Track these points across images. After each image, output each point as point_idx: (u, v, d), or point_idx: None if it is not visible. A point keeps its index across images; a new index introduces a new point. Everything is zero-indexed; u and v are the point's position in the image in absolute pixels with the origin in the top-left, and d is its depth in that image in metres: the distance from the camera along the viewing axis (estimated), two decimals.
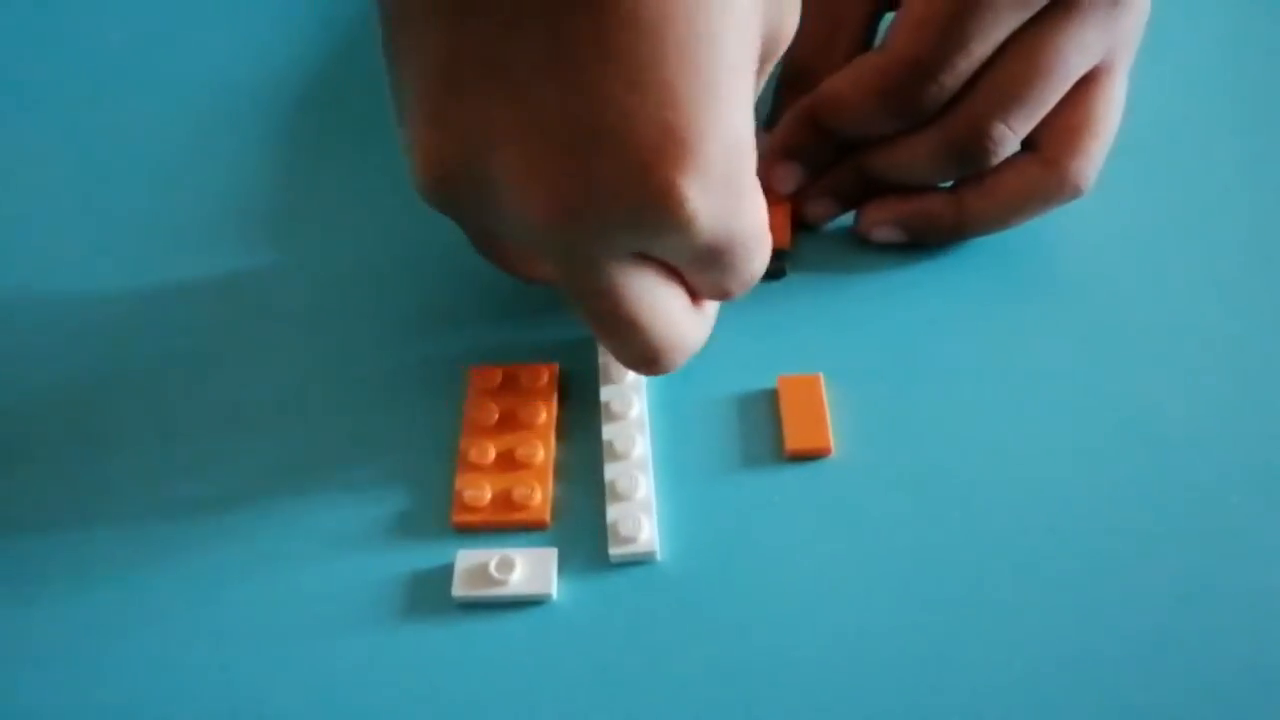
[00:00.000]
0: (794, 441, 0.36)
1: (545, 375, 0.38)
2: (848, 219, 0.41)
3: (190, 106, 0.48)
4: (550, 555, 0.34)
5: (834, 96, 0.39)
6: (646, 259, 0.31)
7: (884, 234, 0.41)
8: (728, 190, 0.29)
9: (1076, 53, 0.37)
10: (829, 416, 0.36)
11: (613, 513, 0.35)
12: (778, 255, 0.41)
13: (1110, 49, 0.38)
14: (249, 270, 0.42)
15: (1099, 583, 0.33)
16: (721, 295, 0.34)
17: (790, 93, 0.42)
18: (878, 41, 0.41)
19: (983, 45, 0.36)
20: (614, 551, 0.34)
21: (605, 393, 0.37)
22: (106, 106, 0.48)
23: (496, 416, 0.37)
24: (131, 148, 0.47)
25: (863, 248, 0.41)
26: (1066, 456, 0.35)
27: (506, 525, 0.35)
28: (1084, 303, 0.39)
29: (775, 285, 0.40)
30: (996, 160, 0.38)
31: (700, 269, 0.32)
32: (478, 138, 0.29)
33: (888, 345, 0.38)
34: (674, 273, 0.32)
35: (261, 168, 0.45)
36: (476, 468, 0.36)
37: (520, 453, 0.36)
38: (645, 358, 0.33)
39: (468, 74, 0.29)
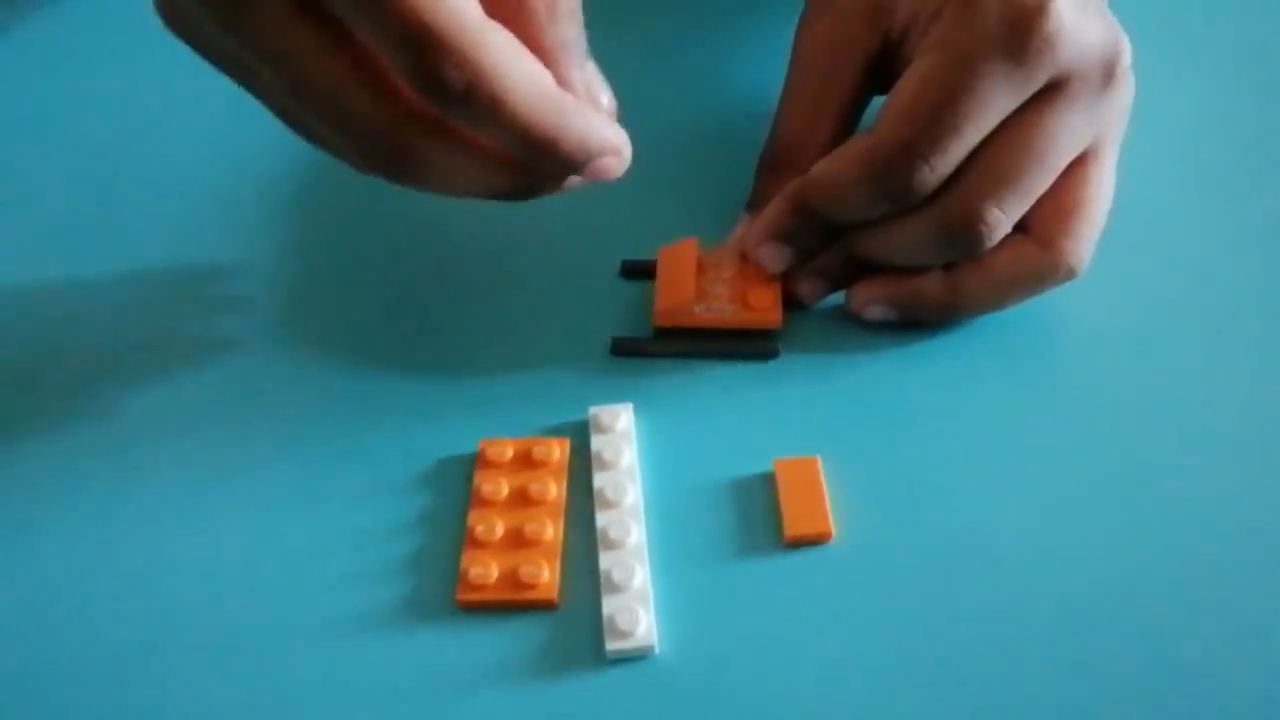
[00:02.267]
0: (793, 527, 0.35)
1: (557, 450, 0.37)
2: (839, 296, 0.41)
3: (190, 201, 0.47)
4: None
5: (824, 180, 0.39)
6: None
7: (876, 312, 0.40)
8: None
9: (1068, 136, 0.37)
10: (828, 500, 0.36)
11: (609, 605, 0.34)
12: (769, 335, 0.40)
13: (1100, 130, 0.38)
14: (266, 348, 0.41)
15: (1109, 664, 0.32)
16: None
17: (772, 175, 0.42)
18: (864, 126, 0.41)
19: (975, 130, 0.36)
20: (611, 647, 0.33)
21: (598, 479, 0.37)
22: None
23: (506, 491, 0.36)
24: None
25: (856, 326, 0.41)
26: (1070, 535, 0.35)
27: (513, 604, 0.34)
28: (1082, 379, 0.39)
29: (768, 366, 0.40)
30: (990, 245, 0.38)
31: None
32: None
33: (885, 425, 0.38)
34: None
35: (268, 253, 0.45)
36: (483, 544, 0.35)
37: (529, 529, 0.35)
38: (418, 64, 0.30)
39: None
